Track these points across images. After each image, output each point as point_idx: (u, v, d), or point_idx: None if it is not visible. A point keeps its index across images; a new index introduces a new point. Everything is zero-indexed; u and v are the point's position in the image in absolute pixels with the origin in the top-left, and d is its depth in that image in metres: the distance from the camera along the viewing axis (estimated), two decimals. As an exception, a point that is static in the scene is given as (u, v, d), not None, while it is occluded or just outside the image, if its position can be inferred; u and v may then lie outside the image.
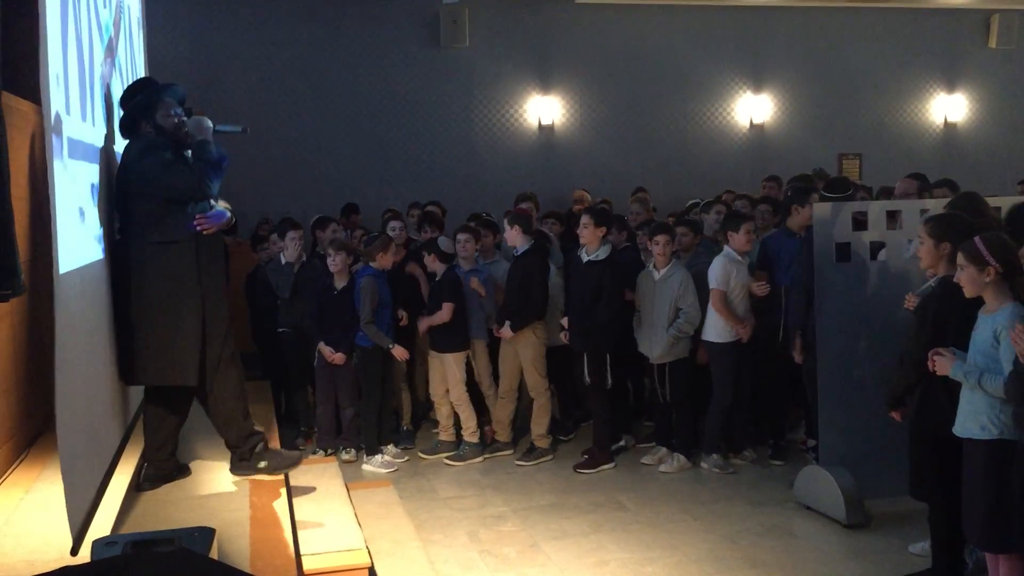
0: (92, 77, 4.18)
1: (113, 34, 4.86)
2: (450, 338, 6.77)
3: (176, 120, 4.42)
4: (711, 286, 6.27)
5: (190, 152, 4.43)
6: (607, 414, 6.57)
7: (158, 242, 4.22)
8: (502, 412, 6.86)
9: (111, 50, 4.75)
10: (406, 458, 6.84)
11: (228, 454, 4.58)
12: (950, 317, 4.13)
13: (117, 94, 4.75)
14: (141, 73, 5.92)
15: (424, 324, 6.80)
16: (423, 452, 6.95)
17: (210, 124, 4.48)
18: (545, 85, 10.87)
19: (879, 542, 5.08)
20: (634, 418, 7.32)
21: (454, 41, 10.43)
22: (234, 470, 4.56)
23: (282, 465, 4.55)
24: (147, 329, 4.22)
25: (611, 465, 6.52)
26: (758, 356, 6.44)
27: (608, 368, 6.41)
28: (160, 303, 4.22)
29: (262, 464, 4.48)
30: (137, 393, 4.74)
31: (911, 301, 4.62)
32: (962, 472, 4.01)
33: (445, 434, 6.97)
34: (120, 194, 4.31)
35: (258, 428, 4.67)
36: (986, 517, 3.86)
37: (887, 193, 7.48)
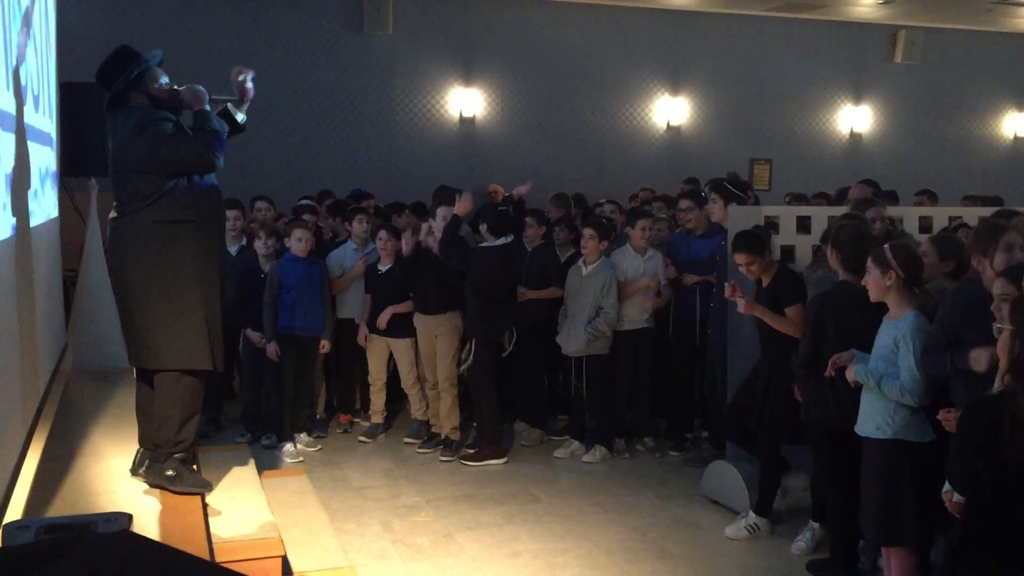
0: (9, 48, 4.04)
1: (29, 3, 4.70)
2: (407, 324, 6.88)
3: (169, 88, 4.18)
4: None
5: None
6: (493, 407, 6.56)
7: (160, 221, 4.01)
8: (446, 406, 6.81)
9: (27, 20, 4.59)
10: (319, 447, 6.80)
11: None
12: (827, 318, 4.38)
13: (32, 65, 4.58)
14: (54, 45, 5.71)
15: (389, 312, 6.79)
16: (408, 438, 6.94)
17: (206, 92, 4.24)
18: (467, 77, 10.88)
19: (782, 535, 5.25)
20: (548, 411, 7.39)
21: (377, 28, 10.36)
22: (136, 470, 4.24)
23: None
24: (155, 311, 4.03)
25: (501, 461, 6.51)
26: (663, 348, 6.71)
27: (471, 352, 6.45)
28: (166, 284, 4.03)
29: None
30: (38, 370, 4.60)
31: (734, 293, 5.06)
32: (861, 470, 4.20)
33: (420, 414, 7.01)
34: (117, 172, 4.08)
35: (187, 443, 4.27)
36: (878, 512, 4.05)
37: (798, 199, 7.82)
